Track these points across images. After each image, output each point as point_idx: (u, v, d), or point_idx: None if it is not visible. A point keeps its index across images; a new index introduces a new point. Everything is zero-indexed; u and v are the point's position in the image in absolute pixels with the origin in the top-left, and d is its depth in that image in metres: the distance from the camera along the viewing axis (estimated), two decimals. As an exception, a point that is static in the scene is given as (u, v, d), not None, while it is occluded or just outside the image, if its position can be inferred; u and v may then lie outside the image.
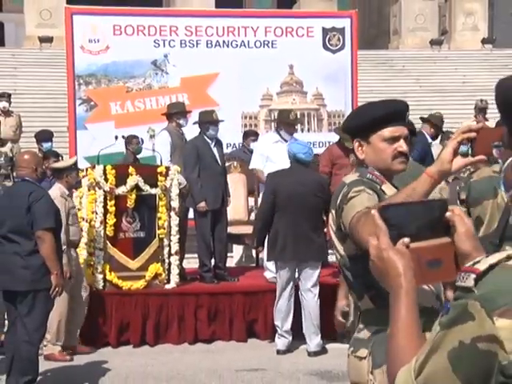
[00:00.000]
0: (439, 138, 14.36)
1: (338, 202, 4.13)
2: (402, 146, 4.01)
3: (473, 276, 1.81)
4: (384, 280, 2.20)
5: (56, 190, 10.17)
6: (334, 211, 4.10)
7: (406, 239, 2.13)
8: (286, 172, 10.69)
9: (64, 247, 10.00)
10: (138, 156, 13.72)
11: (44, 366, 9.58)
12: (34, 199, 8.36)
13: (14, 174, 14.64)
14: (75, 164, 10.86)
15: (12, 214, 8.55)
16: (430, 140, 13.24)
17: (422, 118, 14.03)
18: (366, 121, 4.14)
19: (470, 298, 1.77)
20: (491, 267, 1.83)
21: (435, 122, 13.59)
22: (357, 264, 4.00)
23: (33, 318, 8.42)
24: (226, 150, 13.32)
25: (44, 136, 14.16)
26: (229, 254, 13.00)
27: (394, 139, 4.04)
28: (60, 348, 10.19)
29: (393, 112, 4.07)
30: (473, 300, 1.76)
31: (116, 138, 12.18)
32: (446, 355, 1.80)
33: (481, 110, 17.21)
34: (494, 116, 17.86)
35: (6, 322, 9.50)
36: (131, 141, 13.49)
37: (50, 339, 10.19)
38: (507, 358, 1.71)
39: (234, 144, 15.27)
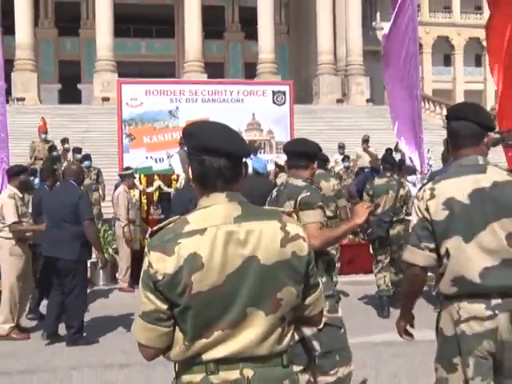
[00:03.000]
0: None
1: (300, 199, 3.91)
2: (315, 167, 4.29)
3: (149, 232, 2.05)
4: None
5: (121, 188, 10.34)
6: (293, 202, 3.94)
7: None
8: (246, 180, 10.66)
9: (126, 222, 9.96)
10: (161, 168, 13.65)
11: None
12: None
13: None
14: (132, 173, 10.75)
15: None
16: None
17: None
18: (306, 152, 4.19)
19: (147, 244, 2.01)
20: (159, 228, 2.02)
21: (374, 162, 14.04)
22: None
23: None
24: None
25: (84, 158, 14.22)
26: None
27: (313, 164, 4.23)
28: (127, 283, 10.10)
29: (318, 150, 4.28)
30: (148, 245, 2.00)
31: (146, 158, 12.18)
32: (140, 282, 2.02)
33: (365, 141, 17.19)
34: (372, 144, 17.86)
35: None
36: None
37: (122, 277, 10.25)
38: (153, 272, 1.94)
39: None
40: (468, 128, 2.94)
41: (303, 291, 2.06)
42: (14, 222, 7.29)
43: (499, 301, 2.75)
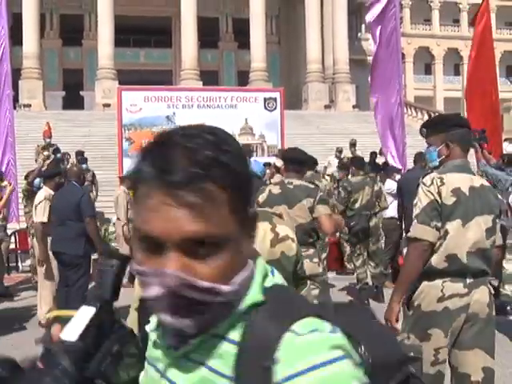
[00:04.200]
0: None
1: (318, 197, 4.72)
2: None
3: None
4: None
5: (121, 190, 10.28)
6: (312, 199, 4.71)
7: None
8: None
9: (125, 222, 9.89)
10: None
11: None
12: None
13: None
14: None
15: None
16: None
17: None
18: (306, 160, 5.27)
19: None
20: None
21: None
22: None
23: None
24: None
25: (81, 161, 14.11)
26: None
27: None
28: (126, 279, 9.99)
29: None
30: None
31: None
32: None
33: (352, 145, 17.16)
34: (358, 148, 17.88)
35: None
36: None
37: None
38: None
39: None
40: (470, 135, 3.38)
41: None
42: (43, 223, 7.35)
43: (472, 280, 3.08)
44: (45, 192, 7.55)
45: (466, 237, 3.10)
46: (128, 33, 37.93)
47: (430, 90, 47.01)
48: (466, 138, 3.29)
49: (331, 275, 10.16)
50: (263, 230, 1.98)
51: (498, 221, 3.26)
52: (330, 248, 9.75)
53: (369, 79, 12.54)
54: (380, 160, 16.57)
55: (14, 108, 12.75)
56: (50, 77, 37.01)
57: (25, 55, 31.85)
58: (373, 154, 16.47)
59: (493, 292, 3.18)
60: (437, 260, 3.08)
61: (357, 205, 8.27)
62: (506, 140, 12.35)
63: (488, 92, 10.85)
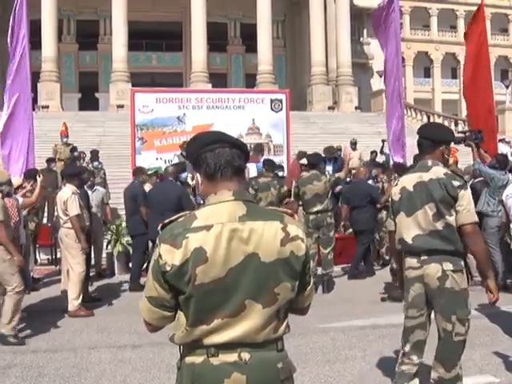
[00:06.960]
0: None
1: None
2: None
3: (160, 225, 1.99)
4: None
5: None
6: None
7: None
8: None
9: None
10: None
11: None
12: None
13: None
14: (150, 174, 10.96)
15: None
16: None
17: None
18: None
19: (158, 236, 1.95)
20: (170, 221, 1.98)
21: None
22: None
23: None
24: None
25: (95, 159, 14.32)
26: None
27: None
28: None
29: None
30: (159, 238, 1.94)
31: (156, 159, 12.09)
32: (150, 270, 1.97)
33: (353, 144, 17.20)
34: (359, 147, 17.86)
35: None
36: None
37: None
38: (162, 263, 1.90)
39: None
40: (424, 143, 3.92)
41: (298, 287, 2.03)
42: (77, 215, 7.62)
43: (426, 257, 3.70)
44: (70, 188, 7.77)
45: (412, 223, 3.75)
46: (141, 37, 37.93)
47: (428, 92, 46.91)
48: (422, 145, 3.95)
49: (337, 269, 10.19)
50: (274, 228, 1.95)
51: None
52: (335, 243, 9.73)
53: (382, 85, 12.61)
54: (380, 159, 16.62)
55: (33, 109, 12.79)
56: (67, 79, 37.10)
57: (43, 59, 31.91)
58: (373, 153, 16.61)
59: (452, 268, 3.67)
60: (396, 244, 3.91)
61: (262, 203, 8.32)
62: (500, 140, 12.34)
63: (484, 95, 10.84)
